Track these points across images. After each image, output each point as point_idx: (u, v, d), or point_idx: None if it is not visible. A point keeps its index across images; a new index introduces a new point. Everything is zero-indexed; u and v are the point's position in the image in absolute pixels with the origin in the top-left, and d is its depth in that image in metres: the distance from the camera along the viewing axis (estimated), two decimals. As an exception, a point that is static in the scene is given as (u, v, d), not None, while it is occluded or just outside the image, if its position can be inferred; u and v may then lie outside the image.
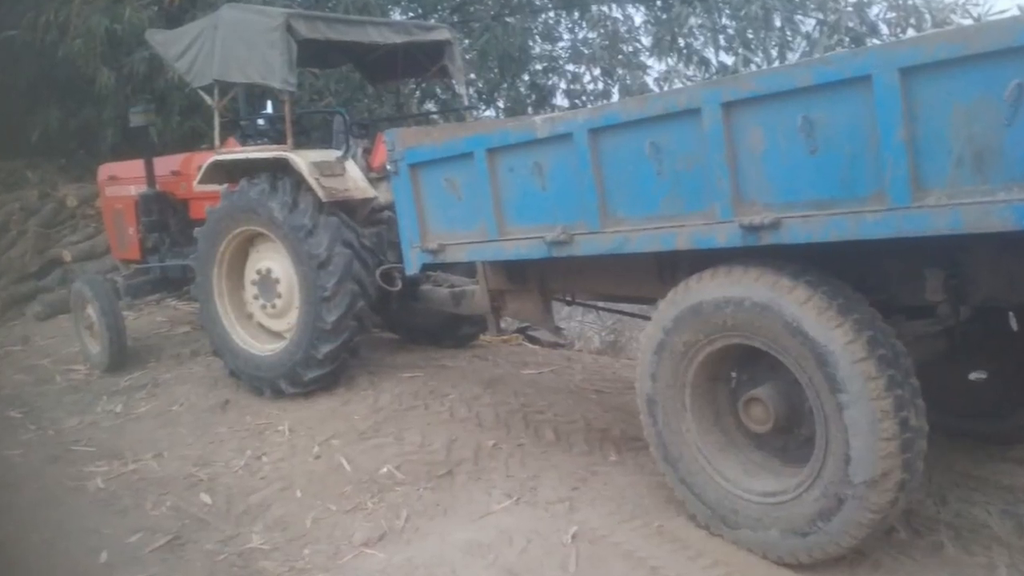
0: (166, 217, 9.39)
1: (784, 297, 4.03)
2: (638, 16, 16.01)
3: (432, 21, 12.13)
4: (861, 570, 4.26)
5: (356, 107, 13.22)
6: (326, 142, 8.44)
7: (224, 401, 7.79)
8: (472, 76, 14.87)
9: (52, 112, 14.05)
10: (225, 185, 8.09)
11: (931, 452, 4.10)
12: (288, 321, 7.66)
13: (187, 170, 9.12)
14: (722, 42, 14.71)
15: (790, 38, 14.18)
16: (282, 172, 7.37)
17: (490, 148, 5.22)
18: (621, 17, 15.98)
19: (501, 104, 16.23)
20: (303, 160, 7.25)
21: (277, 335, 7.84)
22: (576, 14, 16.06)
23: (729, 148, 4.00)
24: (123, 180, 9.85)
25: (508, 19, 15.25)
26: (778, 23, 14.07)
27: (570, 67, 16.19)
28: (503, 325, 7.79)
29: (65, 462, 6.77)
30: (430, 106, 14.56)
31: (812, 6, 14.01)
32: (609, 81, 15.63)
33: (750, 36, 14.14)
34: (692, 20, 14.34)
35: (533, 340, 10.50)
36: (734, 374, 4.67)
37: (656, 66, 15.30)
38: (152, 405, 7.93)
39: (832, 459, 4.00)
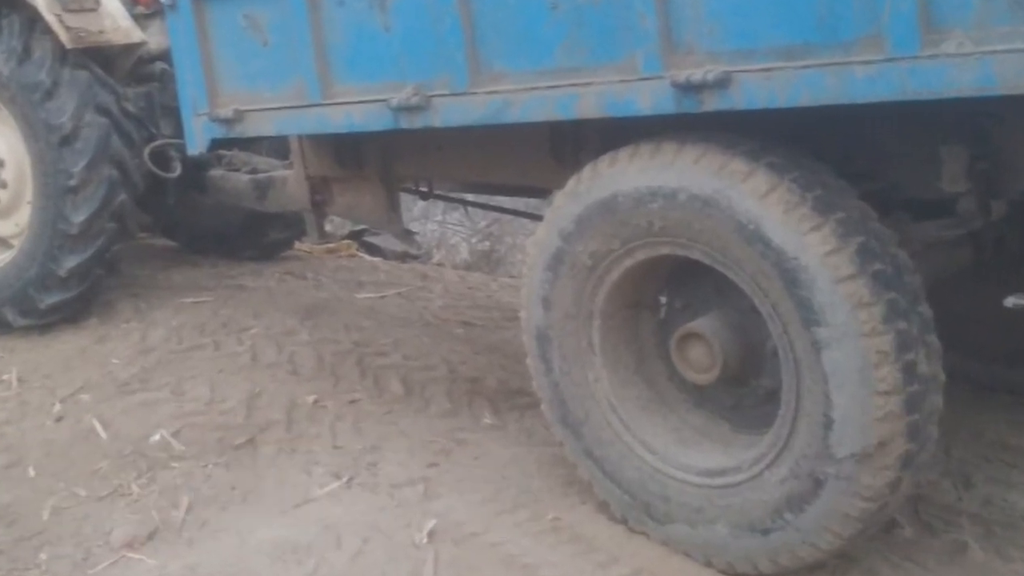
0: None
1: (736, 187, 3.93)
2: None
3: None
4: (849, 582, 4.29)
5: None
6: (70, -38, 8.32)
7: (-77, 339, 7.59)
8: None
9: None
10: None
11: (949, 412, 4.02)
12: (16, 223, 7.54)
13: None
14: None
15: None
16: (7, 6, 7.19)
17: (309, -32, 5.17)
18: None
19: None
20: (37, -12, 7.09)
21: (1, 242, 7.73)
22: None
23: (651, -30, 3.92)
24: None
25: None
26: None
27: None
28: (329, 228, 7.80)
29: None
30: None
31: None
32: None
33: None
34: None
35: (372, 250, 10.70)
36: (664, 300, 4.63)
37: None
38: None
39: (806, 423, 3.92)
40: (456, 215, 11.65)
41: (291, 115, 5.50)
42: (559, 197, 4.55)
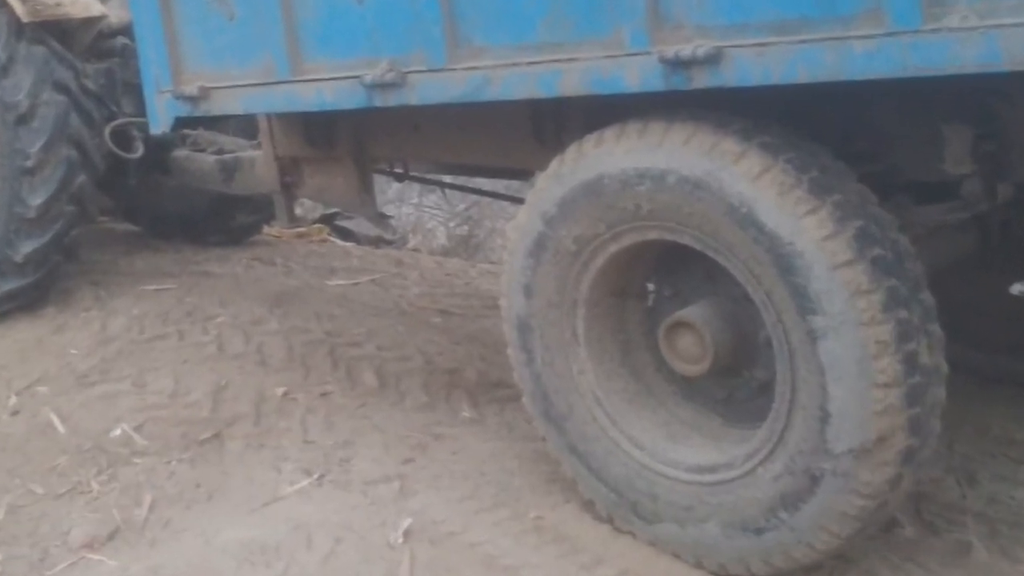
0: None
1: (728, 169, 3.91)
2: None
3: None
4: (847, 584, 4.26)
5: None
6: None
7: None
8: None
9: None
10: None
11: (952, 405, 3.99)
12: (-31, 206, 7.48)
13: None
14: None
15: None
16: (-41, -24, 7.18)
17: (276, -65, 5.16)
18: None
19: None
20: (-10, -43, 7.07)
21: (-45, 228, 7.72)
22: None
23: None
24: None
25: None
26: None
27: None
28: (299, 211, 7.78)
29: None
30: None
31: None
32: None
33: None
34: None
35: (345, 234, 10.70)
36: (652, 287, 4.62)
37: None
38: None
39: (801, 416, 3.89)
40: (433, 198, 11.67)
41: (259, 92, 5.46)
42: (541, 179, 4.51)
